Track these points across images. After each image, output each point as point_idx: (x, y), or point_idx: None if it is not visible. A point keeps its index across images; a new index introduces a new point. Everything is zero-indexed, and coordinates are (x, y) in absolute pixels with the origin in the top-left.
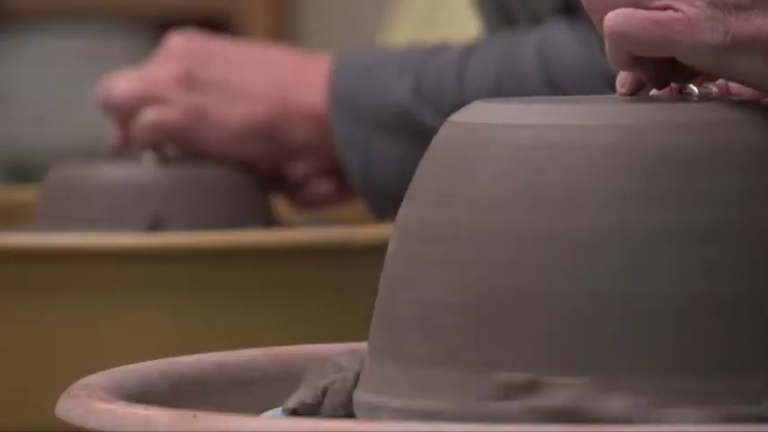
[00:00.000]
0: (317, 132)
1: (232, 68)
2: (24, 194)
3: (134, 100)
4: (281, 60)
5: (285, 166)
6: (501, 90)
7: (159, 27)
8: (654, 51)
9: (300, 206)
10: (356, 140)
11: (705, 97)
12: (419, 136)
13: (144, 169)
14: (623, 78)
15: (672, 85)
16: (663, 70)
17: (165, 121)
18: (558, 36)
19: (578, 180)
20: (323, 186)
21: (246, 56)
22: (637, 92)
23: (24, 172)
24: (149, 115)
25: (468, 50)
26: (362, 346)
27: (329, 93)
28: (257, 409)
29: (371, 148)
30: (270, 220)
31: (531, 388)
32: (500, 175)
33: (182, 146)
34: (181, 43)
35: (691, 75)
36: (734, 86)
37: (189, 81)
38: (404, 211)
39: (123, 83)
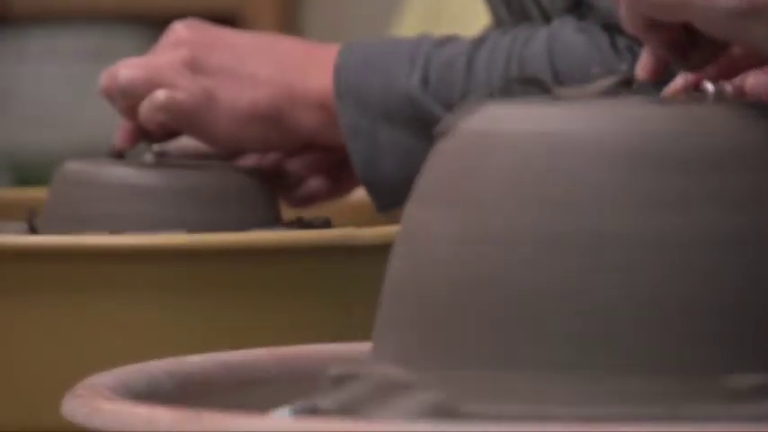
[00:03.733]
0: (323, 120)
1: (237, 55)
2: (30, 195)
3: (140, 85)
4: (288, 48)
5: (290, 156)
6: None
7: (164, 26)
8: (670, 15)
9: (293, 203)
10: (362, 129)
11: (719, 95)
12: (426, 127)
13: (150, 170)
14: (643, 62)
15: (687, 78)
16: (677, 39)
17: (175, 102)
18: (567, 33)
19: (583, 183)
20: (316, 184)
21: (252, 43)
22: (657, 77)
23: (29, 172)
24: (159, 96)
25: (477, 44)
26: (364, 346)
27: (336, 80)
28: (262, 408)
29: (378, 138)
30: (277, 221)
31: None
32: (506, 178)
33: (190, 129)
34: (185, 31)
35: (704, 45)
36: (749, 87)
37: (195, 66)
38: (410, 212)
39: (129, 69)
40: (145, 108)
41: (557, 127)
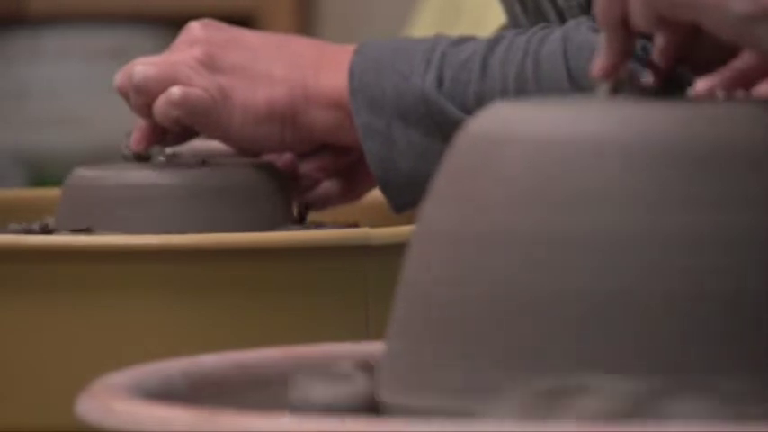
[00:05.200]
0: (338, 120)
1: (252, 54)
2: (45, 195)
3: (155, 82)
4: (303, 48)
5: (304, 158)
6: (523, 85)
7: (180, 26)
8: (683, 12)
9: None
10: (377, 129)
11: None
12: (440, 127)
13: (163, 171)
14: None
15: (697, 87)
16: (686, 39)
17: (190, 98)
18: (582, 32)
19: (594, 184)
20: (330, 187)
21: (267, 43)
22: (663, 82)
23: (44, 173)
24: (174, 92)
25: (492, 44)
26: (378, 345)
27: (350, 80)
28: (275, 407)
29: (393, 138)
30: (289, 220)
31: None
32: (520, 179)
33: (205, 126)
34: (200, 30)
35: (712, 47)
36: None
37: (210, 65)
38: (425, 211)
39: (144, 67)
40: (160, 104)
41: (568, 128)
